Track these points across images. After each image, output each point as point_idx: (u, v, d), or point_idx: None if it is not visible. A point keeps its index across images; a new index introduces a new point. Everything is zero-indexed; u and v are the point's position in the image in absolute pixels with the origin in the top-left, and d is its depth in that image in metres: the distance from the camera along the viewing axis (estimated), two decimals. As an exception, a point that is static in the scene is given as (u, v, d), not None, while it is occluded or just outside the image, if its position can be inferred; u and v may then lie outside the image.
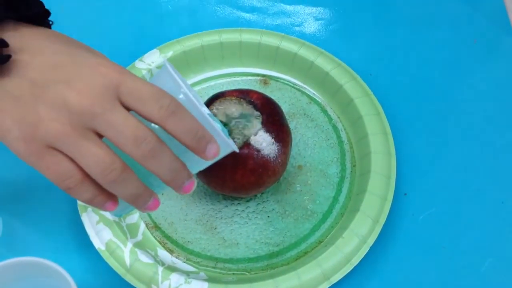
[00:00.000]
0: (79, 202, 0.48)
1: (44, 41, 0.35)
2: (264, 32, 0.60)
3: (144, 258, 0.46)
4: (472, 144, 0.56)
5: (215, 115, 0.47)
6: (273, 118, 0.48)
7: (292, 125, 0.56)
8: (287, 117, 0.51)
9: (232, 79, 0.60)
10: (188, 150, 0.34)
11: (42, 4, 0.38)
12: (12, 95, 0.33)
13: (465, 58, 0.63)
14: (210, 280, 0.46)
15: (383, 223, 0.48)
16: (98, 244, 0.46)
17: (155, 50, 0.58)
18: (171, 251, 0.49)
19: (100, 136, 0.33)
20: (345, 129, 0.56)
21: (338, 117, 0.57)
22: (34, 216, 0.51)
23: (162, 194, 0.52)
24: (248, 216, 0.51)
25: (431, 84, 0.61)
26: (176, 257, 0.49)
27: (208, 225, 0.51)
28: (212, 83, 0.60)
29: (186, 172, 0.35)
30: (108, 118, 0.32)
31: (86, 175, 0.33)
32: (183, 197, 0.52)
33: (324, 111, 0.58)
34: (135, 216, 0.51)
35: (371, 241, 0.47)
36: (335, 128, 0.57)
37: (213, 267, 0.48)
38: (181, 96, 0.34)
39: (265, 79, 0.60)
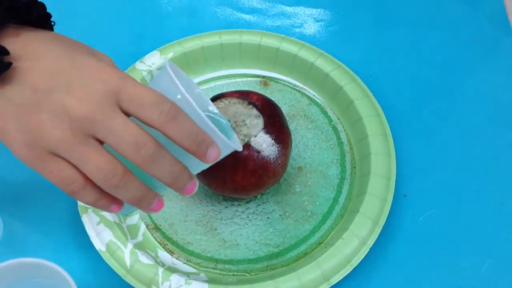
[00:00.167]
0: (79, 203, 0.49)
1: (46, 45, 0.35)
2: (264, 33, 0.60)
3: (144, 259, 0.46)
4: (472, 145, 0.56)
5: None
6: (273, 119, 0.48)
7: (292, 126, 0.56)
8: (287, 118, 0.51)
9: (232, 80, 0.60)
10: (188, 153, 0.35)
11: (44, 7, 0.38)
12: (14, 102, 0.33)
13: (465, 58, 0.63)
14: (210, 281, 0.46)
15: (383, 224, 0.48)
16: (98, 245, 0.47)
17: (155, 51, 0.59)
18: (171, 252, 0.49)
19: (101, 142, 0.33)
20: (345, 131, 0.56)
21: (338, 119, 0.57)
22: (35, 217, 0.51)
23: (163, 195, 0.52)
24: (248, 217, 0.51)
25: (431, 85, 0.61)
26: (177, 258, 0.49)
27: (208, 226, 0.51)
28: (212, 84, 0.60)
29: (187, 174, 0.35)
30: (109, 124, 0.32)
31: (89, 180, 0.33)
32: (184, 198, 0.52)
33: (324, 113, 0.58)
34: (135, 217, 0.51)
35: (371, 242, 0.47)
36: (335, 129, 0.57)
37: (213, 268, 0.49)
38: (180, 100, 0.35)
39: (265, 81, 0.60)
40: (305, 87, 0.59)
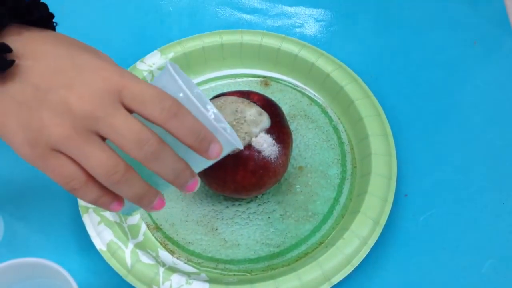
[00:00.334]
0: (80, 203, 0.49)
1: (47, 45, 0.35)
2: (265, 33, 0.60)
3: (145, 259, 0.46)
4: (472, 145, 0.56)
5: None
6: (274, 119, 0.48)
7: (292, 126, 0.56)
8: (287, 118, 0.51)
9: (233, 80, 0.60)
10: (190, 150, 0.35)
11: (46, 7, 0.38)
12: (16, 100, 0.33)
13: (465, 59, 0.63)
14: (211, 281, 0.46)
15: (383, 224, 0.48)
16: (99, 245, 0.47)
17: (156, 51, 0.59)
18: (172, 252, 0.49)
19: (103, 138, 0.33)
20: (345, 131, 0.57)
21: (339, 119, 0.57)
22: (36, 217, 0.51)
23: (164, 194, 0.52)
24: (249, 217, 0.51)
25: (432, 85, 0.61)
26: (177, 258, 0.49)
27: (209, 226, 0.51)
28: (213, 84, 0.60)
29: (189, 172, 0.35)
30: (110, 121, 0.32)
31: (90, 177, 0.33)
32: (184, 198, 0.52)
33: (325, 113, 0.58)
34: (136, 217, 0.51)
35: (371, 242, 0.47)
36: (335, 129, 0.57)
37: (214, 268, 0.49)
38: (181, 96, 0.35)
39: (266, 81, 0.60)
40: (306, 87, 0.59)
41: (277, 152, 0.47)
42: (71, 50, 0.35)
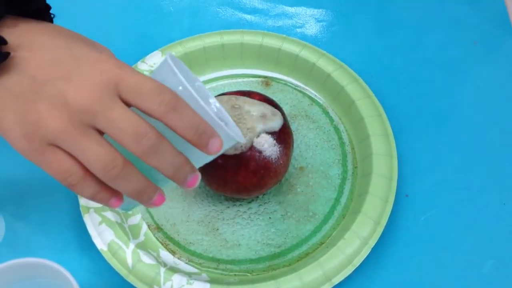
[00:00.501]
0: (81, 203, 0.49)
1: (44, 36, 0.35)
2: (266, 33, 0.60)
3: (146, 259, 0.46)
4: (473, 145, 0.56)
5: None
6: (275, 119, 0.48)
7: (293, 126, 0.56)
8: (288, 118, 0.51)
9: (234, 80, 0.60)
10: (190, 145, 0.34)
11: None
12: (13, 92, 0.33)
13: (466, 59, 0.63)
14: (212, 281, 0.46)
15: (384, 224, 0.48)
16: (100, 245, 0.47)
17: (157, 51, 0.59)
18: (173, 252, 0.49)
19: (101, 132, 0.33)
20: (346, 131, 0.56)
21: (340, 119, 0.57)
22: (37, 217, 0.51)
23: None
24: (250, 217, 0.51)
25: (432, 85, 0.61)
26: (178, 258, 0.49)
27: (210, 226, 0.51)
28: (214, 84, 0.60)
29: (189, 167, 0.35)
30: (108, 115, 0.32)
31: (88, 172, 0.33)
32: (185, 199, 0.52)
33: (326, 113, 0.58)
34: (137, 217, 0.51)
35: (372, 242, 0.47)
36: (336, 129, 0.57)
37: (215, 268, 0.49)
38: (181, 89, 0.34)
39: (267, 81, 0.60)
40: (307, 87, 0.59)
41: (278, 152, 0.47)
42: (69, 42, 0.35)
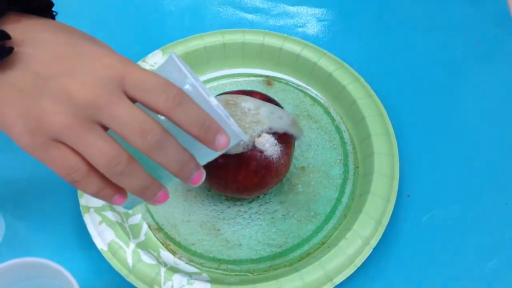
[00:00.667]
0: (81, 203, 0.48)
1: (47, 32, 0.35)
2: (267, 33, 0.60)
3: (146, 259, 0.46)
4: (475, 145, 0.56)
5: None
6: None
7: (295, 126, 0.56)
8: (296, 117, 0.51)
9: (235, 80, 0.60)
10: (195, 141, 0.34)
11: None
12: (16, 88, 0.33)
13: (468, 59, 0.63)
14: (212, 281, 0.46)
15: (386, 224, 0.48)
16: (100, 244, 0.46)
17: (157, 51, 0.58)
18: (173, 252, 0.49)
19: (105, 128, 0.32)
20: (348, 130, 0.56)
21: (341, 118, 0.57)
22: (37, 216, 0.51)
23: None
24: (251, 217, 0.51)
25: (434, 85, 0.61)
26: (179, 258, 0.49)
27: (210, 227, 0.51)
28: (215, 83, 0.60)
29: (194, 163, 0.34)
30: (113, 110, 0.31)
31: (92, 168, 0.32)
32: (186, 199, 0.52)
33: (327, 112, 0.58)
34: (137, 217, 0.51)
35: (374, 242, 0.47)
36: (338, 129, 0.57)
37: (216, 268, 0.48)
38: (187, 86, 0.34)
39: (269, 80, 0.60)
40: (308, 87, 0.59)
41: (279, 152, 0.47)
42: (72, 38, 0.35)
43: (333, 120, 0.57)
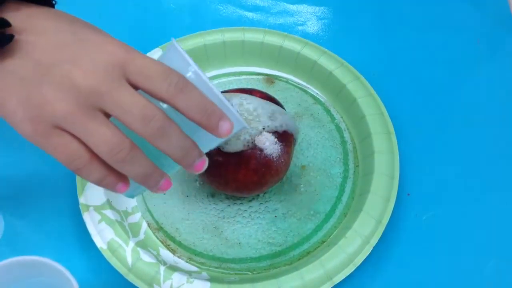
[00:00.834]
0: (80, 201, 0.48)
1: (48, 20, 0.34)
2: (267, 31, 0.60)
3: (146, 257, 0.46)
4: (476, 144, 0.56)
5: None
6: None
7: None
8: (294, 117, 0.51)
9: (235, 78, 0.60)
10: (198, 128, 0.34)
11: None
12: (17, 75, 0.32)
13: (468, 58, 0.63)
14: (212, 280, 0.46)
15: (386, 223, 0.48)
16: (100, 243, 0.46)
17: (157, 49, 0.58)
18: (173, 251, 0.49)
19: (107, 115, 0.32)
20: (348, 129, 0.56)
21: (341, 117, 0.57)
22: (36, 215, 0.51)
23: (165, 194, 0.52)
24: (250, 215, 0.51)
25: (435, 83, 0.61)
26: (178, 257, 0.49)
27: (210, 225, 0.50)
28: (215, 82, 0.60)
29: (197, 151, 0.34)
30: (116, 96, 0.31)
31: (95, 156, 0.32)
32: (186, 197, 0.52)
33: (327, 111, 0.58)
34: (137, 216, 0.51)
35: (374, 241, 0.47)
36: (338, 128, 0.56)
37: (216, 267, 0.48)
38: (189, 74, 0.34)
39: (270, 79, 0.60)
40: (308, 85, 0.59)
41: (279, 150, 0.47)
42: (73, 25, 0.34)
43: (333, 118, 0.57)
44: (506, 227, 0.51)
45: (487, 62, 0.63)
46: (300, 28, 0.65)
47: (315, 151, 0.55)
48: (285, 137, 0.47)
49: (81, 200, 0.48)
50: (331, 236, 0.50)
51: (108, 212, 0.48)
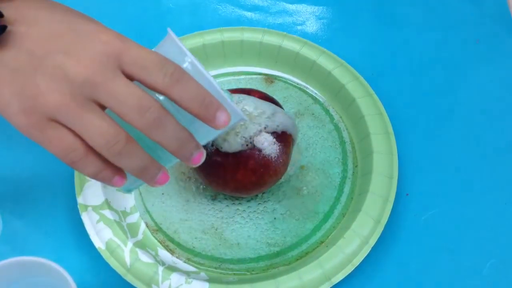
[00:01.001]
0: (79, 201, 0.48)
1: (41, 10, 0.34)
2: (266, 31, 0.59)
3: (144, 257, 0.46)
4: (475, 144, 0.56)
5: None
6: (275, 117, 0.48)
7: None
8: (293, 116, 0.51)
9: (234, 77, 0.60)
10: (195, 120, 0.33)
11: None
12: (10, 67, 0.32)
13: (467, 57, 0.63)
14: (210, 280, 0.45)
15: (384, 223, 0.48)
16: (98, 243, 0.46)
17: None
18: (171, 251, 0.49)
19: (102, 107, 0.32)
20: (347, 129, 0.56)
21: (340, 117, 0.57)
22: (35, 215, 0.51)
23: (163, 194, 0.52)
24: (249, 216, 0.51)
25: (434, 84, 0.60)
26: (177, 257, 0.49)
27: (209, 225, 0.50)
28: (214, 82, 0.60)
29: (194, 143, 0.34)
30: (110, 87, 0.31)
31: (90, 149, 0.32)
32: (184, 197, 0.52)
33: (326, 111, 0.57)
34: (135, 216, 0.51)
35: (372, 241, 0.47)
36: (337, 128, 0.56)
37: (214, 267, 0.48)
38: (186, 64, 0.33)
39: (270, 78, 0.60)
40: (307, 85, 0.59)
41: (278, 151, 0.47)
42: (67, 15, 0.34)
43: (332, 118, 0.57)
44: (505, 227, 0.51)
45: (486, 62, 0.63)
46: (299, 27, 0.65)
47: (314, 151, 0.55)
48: (284, 138, 0.47)
49: (79, 200, 0.48)
50: (329, 237, 0.49)
51: (107, 212, 0.48)
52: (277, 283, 0.44)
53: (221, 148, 0.45)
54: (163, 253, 0.49)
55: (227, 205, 0.52)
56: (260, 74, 0.60)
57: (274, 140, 0.46)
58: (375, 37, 0.65)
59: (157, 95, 0.33)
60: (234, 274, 0.48)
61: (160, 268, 0.45)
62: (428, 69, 0.62)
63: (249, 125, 0.46)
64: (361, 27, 0.66)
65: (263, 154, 0.46)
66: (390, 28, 0.65)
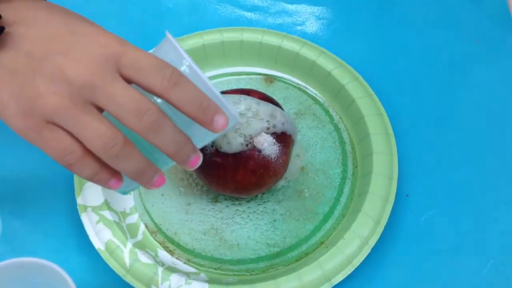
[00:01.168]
0: (78, 202, 0.48)
1: (40, 12, 0.34)
2: (266, 31, 0.59)
3: (144, 258, 0.46)
4: (475, 145, 0.56)
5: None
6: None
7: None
8: (294, 117, 0.51)
9: (234, 78, 0.60)
10: (192, 123, 0.33)
11: None
12: (8, 69, 0.32)
13: (467, 57, 0.63)
14: (210, 281, 0.45)
15: (384, 224, 0.48)
16: (97, 244, 0.46)
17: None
18: (171, 252, 0.49)
19: (100, 110, 0.32)
20: (347, 130, 0.56)
21: (340, 118, 0.57)
22: (34, 216, 0.51)
23: (162, 194, 0.52)
24: (249, 216, 0.51)
25: (434, 84, 0.60)
26: (177, 258, 0.48)
27: (208, 226, 0.50)
28: (214, 81, 0.60)
29: (191, 146, 0.34)
30: (109, 90, 0.31)
31: (87, 151, 0.32)
32: (184, 198, 0.52)
33: (326, 111, 0.57)
34: (135, 216, 0.50)
35: (372, 242, 0.47)
36: (337, 128, 0.56)
37: (214, 268, 0.48)
38: (183, 67, 0.33)
39: (270, 79, 0.60)
40: (307, 86, 0.59)
41: (278, 151, 0.47)
42: (66, 17, 0.34)
43: (332, 119, 0.57)
44: (505, 228, 0.51)
45: (486, 62, 0.63)
46: (298, 28, 0.65)
47: (314, 151, 0.55)
48: (284, 138, 0.47)
49: (79, 200, 0.48)
50: (329, 237, 0.49)
51: (106, 213, 0.48)
52: (277, 284, 0.44)
53: (221, 148, 0.45)
54: (163, 254, 0.48)
55: (227, 206, 0.51)
56: (260, 74, 0.60)
57: (274, 140, 0.46)
58: (375, 37, 0.65)
59: (155, 98, 0.33)
60: (234, 275, 0.48)
61: (160, 269, 0.45)
62: (428, 69, 0.62)
63: (249, 125, 0.46)
64: (361, 27, 0.66)
65: (262, 154, 0.46)
66: (390, 28, 0.65)
